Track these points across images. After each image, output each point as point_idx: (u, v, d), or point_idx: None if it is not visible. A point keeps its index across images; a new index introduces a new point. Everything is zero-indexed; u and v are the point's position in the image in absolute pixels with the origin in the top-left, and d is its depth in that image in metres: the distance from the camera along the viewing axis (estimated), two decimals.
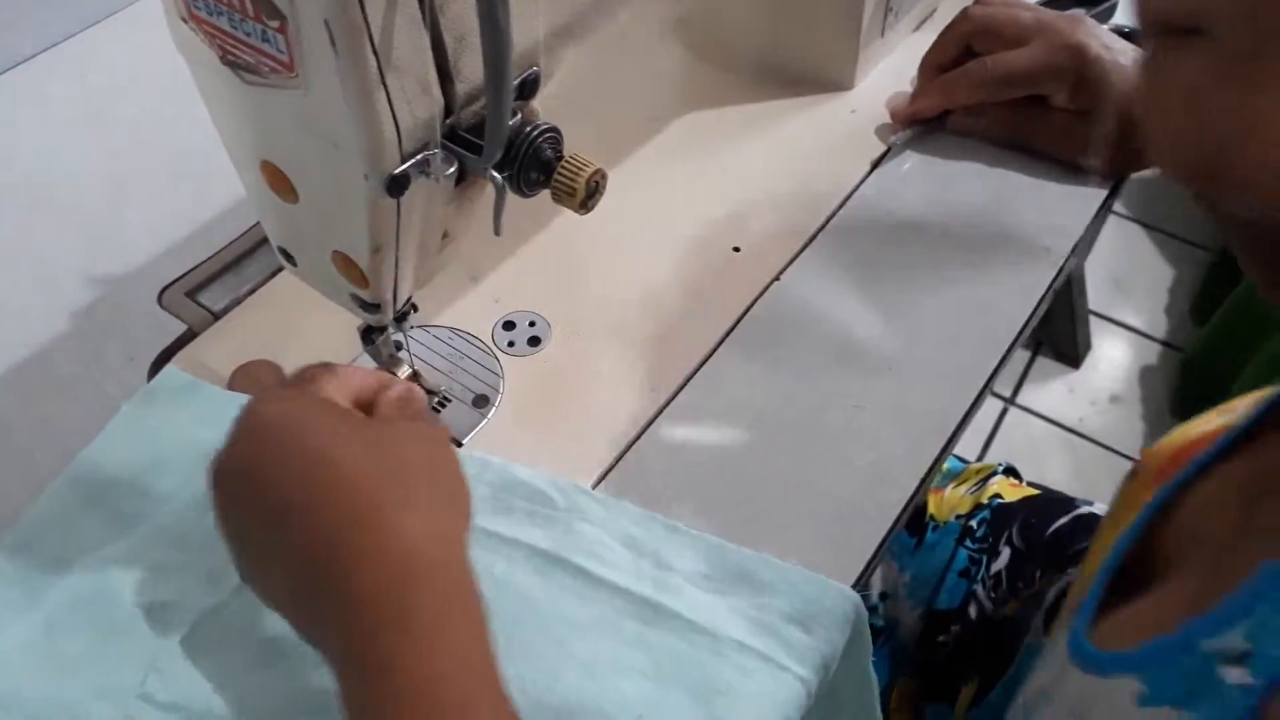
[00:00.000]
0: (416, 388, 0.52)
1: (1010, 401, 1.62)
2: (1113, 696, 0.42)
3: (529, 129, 0.43)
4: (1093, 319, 1.67)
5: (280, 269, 0.63)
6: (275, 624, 0.47)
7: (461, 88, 0.41)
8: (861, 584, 0.52)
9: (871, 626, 0.78)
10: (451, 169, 0.42)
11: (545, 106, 0.46)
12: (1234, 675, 0.37)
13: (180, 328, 0.62)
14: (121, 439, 0.55)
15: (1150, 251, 1.80)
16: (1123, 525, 0.51)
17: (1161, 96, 0.38)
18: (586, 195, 0.44)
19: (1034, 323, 0.64)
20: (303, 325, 0.60)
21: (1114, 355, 1.67)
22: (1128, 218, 1.85)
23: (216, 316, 0.63)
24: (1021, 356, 1.66)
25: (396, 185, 0.41)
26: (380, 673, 0.38)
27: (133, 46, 0.78)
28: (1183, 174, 0.38)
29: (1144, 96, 0.39)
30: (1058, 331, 1.62)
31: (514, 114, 0.43)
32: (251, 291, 0.64)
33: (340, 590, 0.40)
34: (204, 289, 0.64)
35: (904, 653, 0.78)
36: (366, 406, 0.48)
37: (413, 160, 0.41)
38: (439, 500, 0.43)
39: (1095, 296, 1.68)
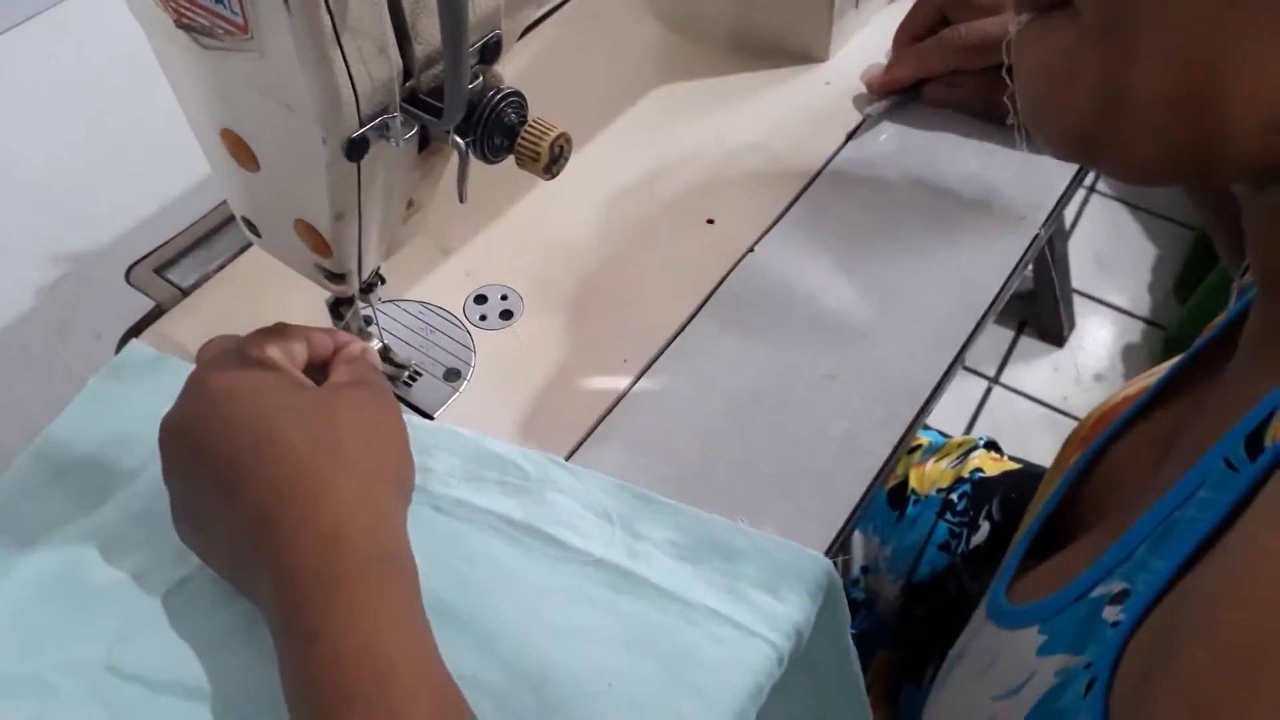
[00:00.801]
0: (370, 347, 0.52)
1: (995, 381, 1.62)
2: (1017, 647, 0.43)
3: (492, 93, 0.43)
4: (1076, 298, 1.67)
5: (249, 245, 0.63)
6: (242, 599, 0.47)
7: (420, 50, 0.40)
8: (835, 551, 0.51)
9: (853, 600, 0.79)
10: (411, 132, 0.41)
11: (517, 80, 0.45)
12: (1111, 614, 0.37)
13: (148, 305, 0.61)
14: (87, 414, 0.54)
15: (1133, 230, 1.80)
16: (1051, 489, 0.52)
17: (1035, 67, 0.39)
18: (551, 160, 0.44)
19: (1009, 292, 0.63)
20: (272, 301, 0.59)
21: (1098, 334, 1.67)
22: (1111, 196, 1.85)
23: (185, 293, 0.62)
24: (1006, 335, 1.66)
25: (355, 149, 0.40)
26: (309, 640, 0.39)
27: (100, 23, 0.77)
28: (1058, 143, 0.39)
29: (1019, 69, 0.40)
30: (1042, 310, 1.63)
31: (476, 78, 0.43)
32: (221, 268, 0.63)
33: (271, 561, 0.41)
34: (173, 265, 0.63)
35: (884, 626, 0.78)
36: (322, 366, 0.49)
37: (371, 123, 0.40)
38: (374, 471, 0.44)
39: (1079, 275, 1.69)
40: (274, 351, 0.47)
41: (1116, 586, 0.39)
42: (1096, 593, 0.40)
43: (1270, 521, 0.32)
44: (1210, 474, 0.36)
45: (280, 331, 0.48)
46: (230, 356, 0.46)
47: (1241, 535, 0.33)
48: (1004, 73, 0.54)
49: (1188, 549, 0.36)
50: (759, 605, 0.48)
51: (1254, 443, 0.35)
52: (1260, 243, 0.41)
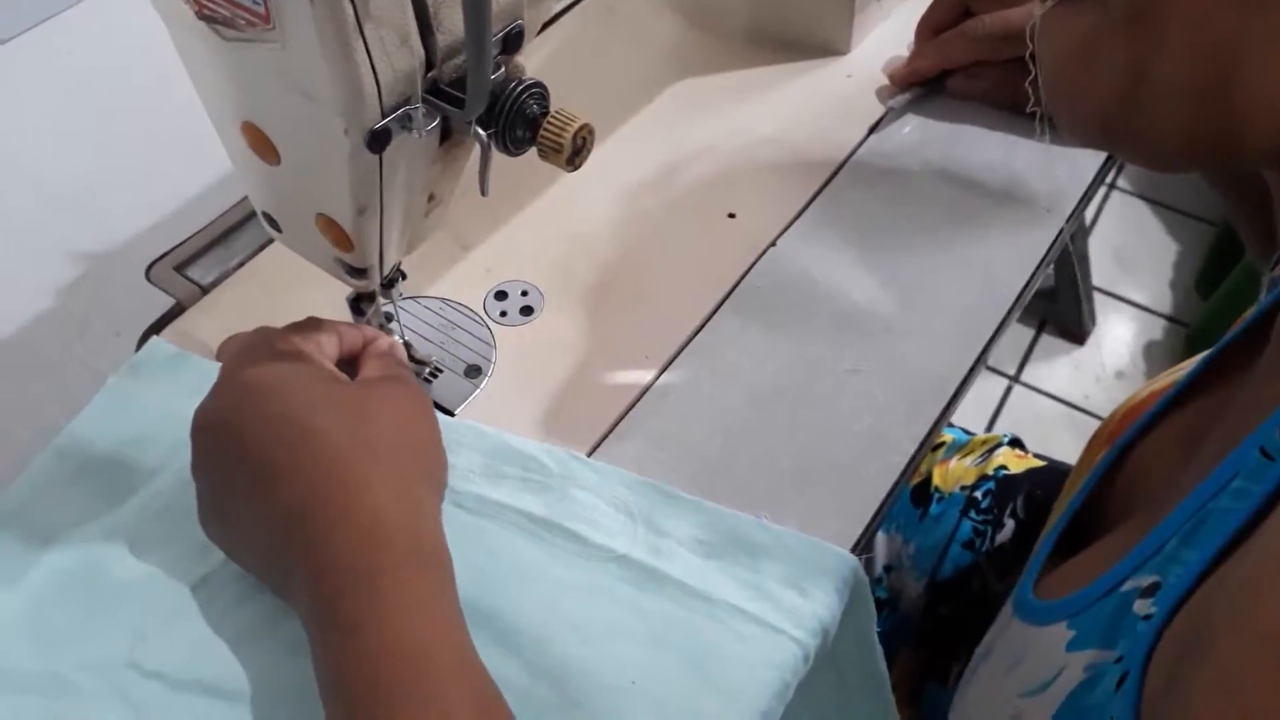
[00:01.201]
0: (398, 342, 0.52)
1: (1015, 379, 1.60)
2: (1045, 643, 0.43)
3: (513, 84, 0.42)
4: (1097, 295, 1.66)
5: (269, 242, 0.62)
6: (263, 596, 0.47)
7: (443, 40, 0.40)
8: (860, 549, 0.51)
9: (876, 598, 0.78)
10: (434, 124, 0.41)
11: (537, 74, 0.45)
12: (1141, 608, 0.37)
13: (168, 302, 0.61)
14: (107, 412, 0.54)
15: (1154, 226, 1.78)
16: (1078, 486, 0.52)
17: (1060, 53, 0.39)
18: (573, 151, 0.43)
19: (1034, 286, 0.63)
20: (292, 298, 0.59)
21: (1119, 331, 1.66)
22: (1131, 193, 1.83)
23: (205, 290, 0.62)
24: (1026, 334, 1.65)
25: (377, 141, 0.40)
26: (348, 632, 0.39)
27: (117, 23, 0.77)
28: (1081, 128, 0.39)
29: (1044, 54, 0.40)
30: (1062, 308, 1.61)
31: (498, 69, 0.42)
32: (241, 265, 0.63)
33: (309, 555, 0.41)
34: (192, 263, 0.63)
35: (908, 625, 0.77)
36: (351, 361, 0.49)
37: (394, 114, 0.40)
38: (409, 467, 0.44)
39: (1100, 273, 1.67)
40: (307, 345, 0.47)
41: (1147, 580, 0.38)
42: (1126, 587, 0.39)
43: None
44: (1245, 464, 0.36)
45: (312, 325, 0.48)
46: (264, 350, 0.46)
47: (1277, 522, 0.32)
48: (1027, 58, 0.54)
49: (1222, 539, 0.35)
50: (784, 602, 0.47)
51: None
52: None
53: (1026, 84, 0.56)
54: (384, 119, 0.39)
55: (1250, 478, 0.35)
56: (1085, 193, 0.67)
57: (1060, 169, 0.67)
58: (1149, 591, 0.38)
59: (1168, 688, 0.34)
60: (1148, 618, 0.37)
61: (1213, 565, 0.35)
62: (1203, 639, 0.32)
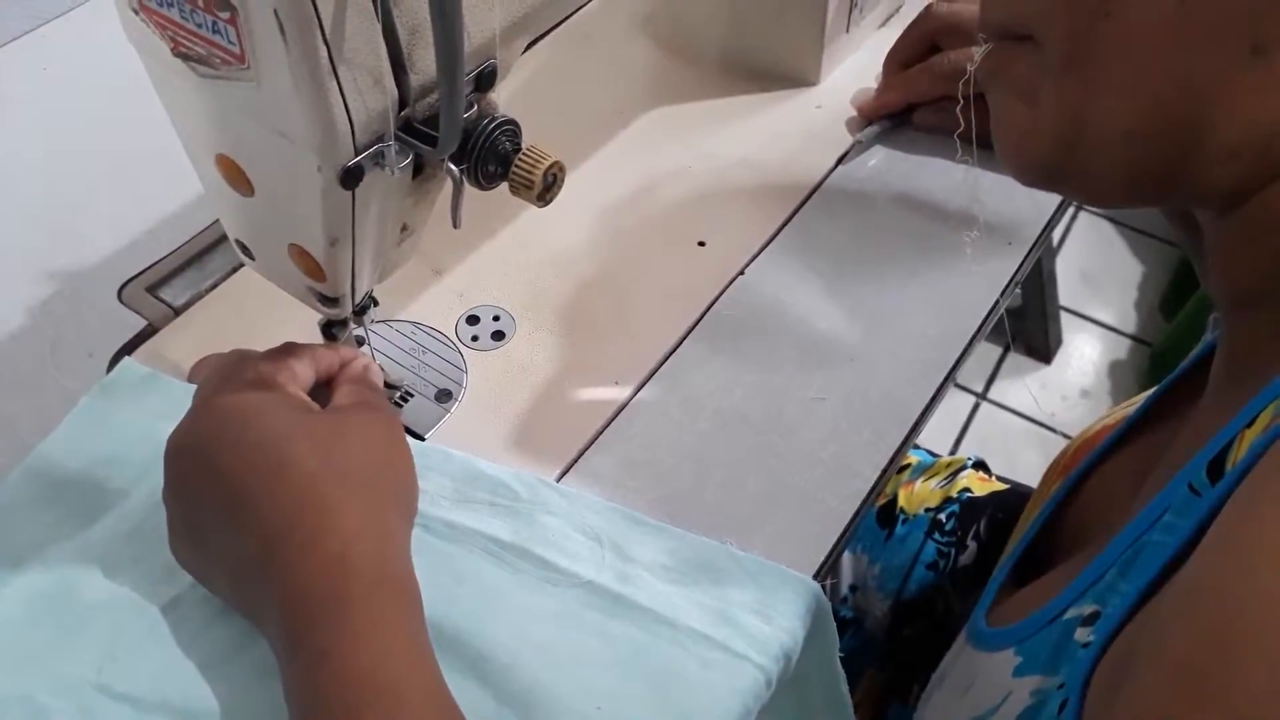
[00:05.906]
0: (372, 364, 0.52)
1: (982, 397, 1.63)
2: (993, 670, 0.44)
3: (486, 121, 0.43)
4: (1064, 314, 1.69)
5: (242, 264, 0.63)
6: (233, 618, 0.47)
7: (416, 80, 0.41)
8: (823, 575, 0.52)
9: (841, 618, 0.79)
10: (406, 161, 0.42)
11: (511, 101, 0.45)
12: (1082, 636, 0.38)
13: (140, 323, 0.61)
14: (78, 433, 0.54)
15: (1120, 247, 1.81)
16: (1033, 516, 0.53)
17: (1002, 97, 0.40)
18: (544, 187, 0.44)
19: (997, 314, 0.64)
20: (264, 320, 0.59)
21: (1085, 350, 1.68)
22: (1098, 214, 1.86)
23: (177, 312, 0.62)
24: (993, 352, 1.67)
25: (350, 177, 0.40)
26: (317, 660, 0.40)
27: (93, 40, 0.77)
28: (1023, 170, 0.41)
29: (989, 96, 0.41)
30: (1029, 327, 1.64)
31: (471, 106, 0.43)
32: (213, 286, 0.63)
33: (279, 582, 0.42)
34: (165, 284, 0.63)
35: (873, 644, 0.78)
36: (327, 382, 0.49)
37: (366, 152, 0.41)
38: (381, 495, 0.45)
39: (1066, 292, 1.70)
40: (281, 373, 0.47)
41: (1088, 609, 0.39)
42: (1069, 614, 0.40)
43: (1221, 545, 0.32)
44: (1175, 499, 0.37)
45: (287, 351, 0.49)
46: (239, 377, 0.47)
47: (1194, 558, 0.33)
48: (958, 111, 0.55)
49: (1153, 572, 0.37)
50: (747, 629, 0.48)
51: (1216, 468, 0.36)
52: (1222, 266, 0.41)
53: (955, 136, 0.58)
54: (357, 157, 0.40)
55: (1179, 513, 0.37)
56: (1047, 223, 0.68)
57: (1023, 200, 0.69)
58: (1089, 620, 0.39)
59: (1099, 715, 0.36)
60: (1086, 645, 0.38)
61: (1145, 596, 0.37)
62: (1128, 668, 0.34)
